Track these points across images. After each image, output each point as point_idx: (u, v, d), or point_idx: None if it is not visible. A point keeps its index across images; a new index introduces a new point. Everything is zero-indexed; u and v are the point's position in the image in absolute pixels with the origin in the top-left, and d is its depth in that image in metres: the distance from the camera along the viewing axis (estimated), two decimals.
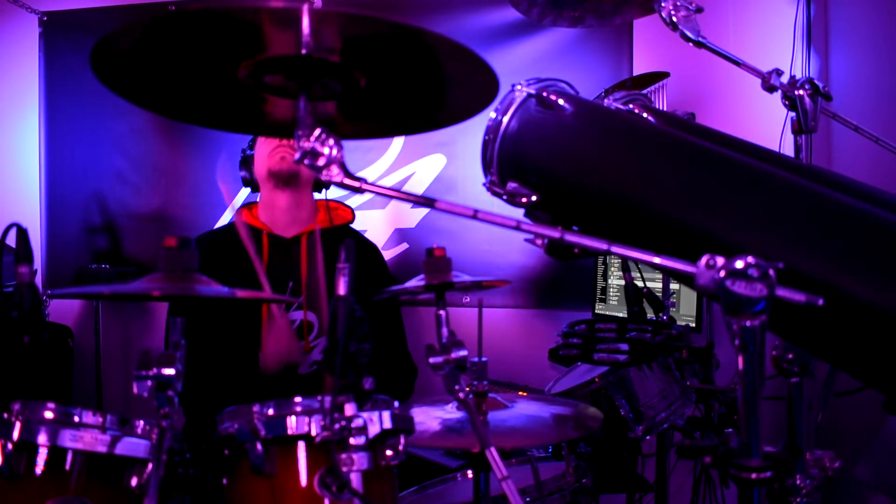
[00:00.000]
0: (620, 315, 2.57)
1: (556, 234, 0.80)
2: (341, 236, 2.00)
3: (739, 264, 0.73)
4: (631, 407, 1.65)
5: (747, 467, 0.76)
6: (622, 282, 2.60)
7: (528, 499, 1.46)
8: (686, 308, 2.35)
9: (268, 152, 1.95)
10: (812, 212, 0.90)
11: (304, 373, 1.88)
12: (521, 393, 2.43)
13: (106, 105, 3.20)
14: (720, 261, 0.74)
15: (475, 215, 0.82)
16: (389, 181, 2.98)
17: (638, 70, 2.83)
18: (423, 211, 2.98)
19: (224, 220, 3.12)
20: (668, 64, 2.60)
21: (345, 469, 0.88)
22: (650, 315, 1.78)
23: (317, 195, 2.05)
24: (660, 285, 2.30)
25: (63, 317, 3.15)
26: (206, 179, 3.15)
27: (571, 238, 0.80)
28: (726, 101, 2.75)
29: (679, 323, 2.24)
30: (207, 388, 1.76)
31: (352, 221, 2.07)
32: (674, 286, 2.37)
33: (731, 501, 2.13)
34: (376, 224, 2.99)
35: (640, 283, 1.81)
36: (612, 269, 2.65)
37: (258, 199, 2.04)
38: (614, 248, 0.79)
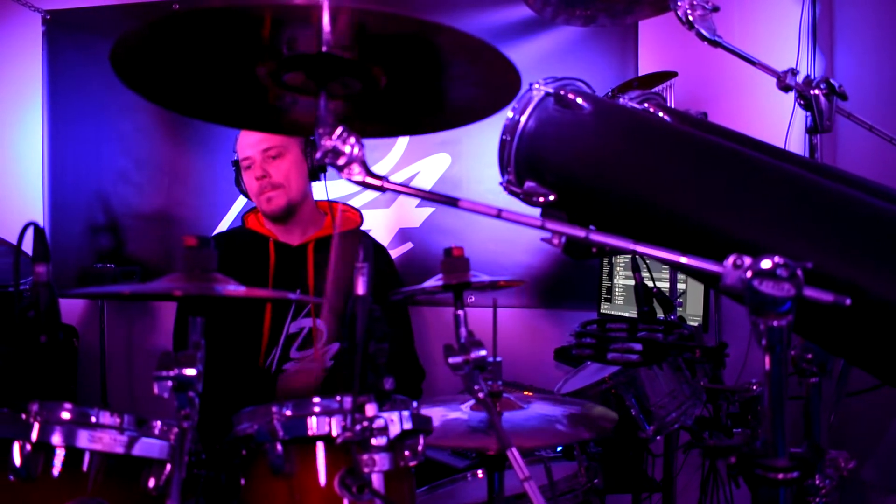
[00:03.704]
0: (626, 315, 2.57)
1: (581, 233, 0.80)
2: (350, 241, 1.99)
3: (767, 264, 0.73)
4: (641, 407, 1.65)
5: (774, 467, 0.76)
6: (628, 282, 2.61)
7: None
8: (693, 308, 2.34)
9: (254, 192, 1.90)
10: (836, 211, 0.90)
11: (304, 371, 1.87)
12: (526, 392, 2.43)
13: (109, 104, 3.19)
14: (747, 260, 0.74)
15: (499, 214, 0.82)
16: (393, 180, 2.96)
17: (643, 70, 2.83)
18: (428, 210, 2.97)
19: (228, 219, 3.11)
20: (674, 64, 2.60)
21: (366, 470, 0.88)
22: (659, 315, 1.78)
23: (318, 189, 2.00)
24: (667, 285, 2.30)
25: (67, 316, 3.13)
26: (209, 179, 3.14)
27: (597, 237, 0.80)
28: (731, 100, 2.75)
29: (687, 322, 2.24)
30: (216, 389, 1.75)
31: (360, 224, 2.05)
32: (680, 286, 2.37)
33: (739, 501, 2.13)
34: (380, 223, 2.98)
35: (649, 283, 1.81)
36: (618, 268, 2.65)
37: None
38: (640, 248, 0.79)
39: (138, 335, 3.21)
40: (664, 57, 2.83)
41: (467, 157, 2.94)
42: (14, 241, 2.91)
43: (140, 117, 3.18)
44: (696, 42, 2.99)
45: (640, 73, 2.80)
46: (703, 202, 0.94)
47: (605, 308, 2.69)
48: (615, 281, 2.66)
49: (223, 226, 3.10)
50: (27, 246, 2.76)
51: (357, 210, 2.07)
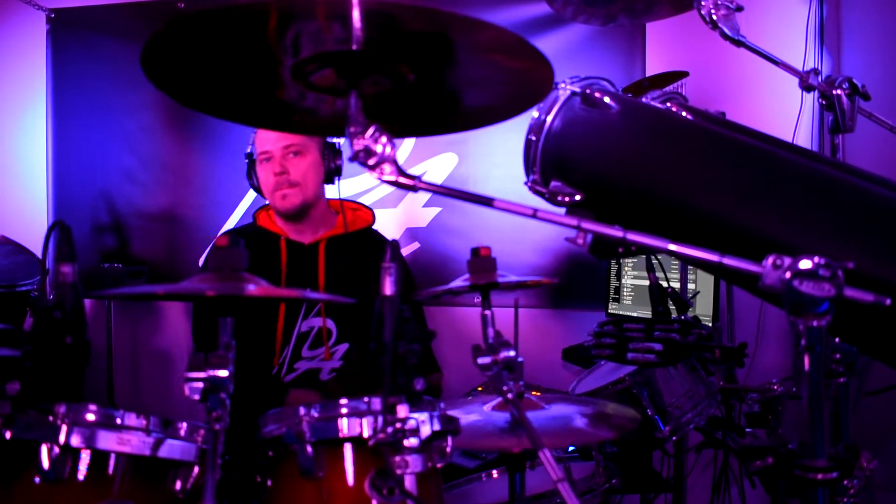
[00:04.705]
0: (634, 315, 2.57)
1: (618, 233, 0.79)
2: (361, 241, 1.98)
3: (808, 264, 0.72)
4: (656, 407, 1.64)
5: (813, 468, 0.76)
6: (636, 281, 2.61)
7: (557, 500, 1.45)
8: (702, 308, 2.34)
9: (270, 188, 1.88)
10: (868, 210, 0.89)
11: (325, 379, 1.86)
12: (534, 393, 2.42)
13: (114, 103, 3.17)
14: (787, 260, 0.73)
15: (535, 214, 0.81)
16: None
17: (651, 70, 2.83)
18: (435, 210, 2.97)
19: (234, 218, 3.10)
20: (681, 64, 2.60)
21: (399, 472, 0.87)
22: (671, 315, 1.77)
23: (330, 190, 1.98)
24: (677, 285, 2.30)
25: None
26: (215, 178, 3.13)
27: (634, 237, 0.79)
28: (738, 100, 2.75)
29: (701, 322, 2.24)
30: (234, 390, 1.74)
31: (372, 223, 2.04)
32: (690, 286, 2.37)
33: (751, 501, 2.13)
34: (387, 223, 2.98)
35: (663, 284, 1.80)
36: (626, 268, 2.65)
37: None
38: (677, 248, 0.79)
39: (143, 335, 3.19)
40: (671, 57, 2.84)
41: (474, 157, 2.94)
42: (19, 240, 2.86)
43: (145, 116, 3.17)
44: (703, 43, 2.99)
45: (648, 74, 2.80)
46: (735, 201, 0.93)
47: (612, 308, 2.69)
48: (623, 281, 2.65)
49: (229, 225, 3.09)
50: (32, 247, 2.70)
51: (369, 209, 2.06)
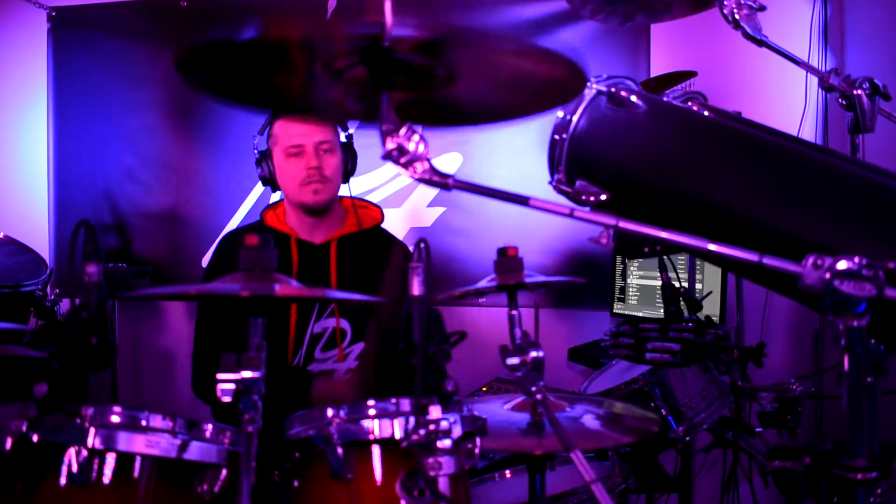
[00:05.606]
0: (639, 314, 2.57)
1: (657, 233, 0.79)
2: (371, 239, 1.97)
3: (849, 264, 0.72)
4: (670, 407, 1.64)
5: (853, 468, 0.76)
6: (642, 281, 2.61)
7: (574, 501, 1.45)
8: (709, 308, 2.34)
9: (298, 182, 1.83)
10: None
11: (339, 380, 1.85)
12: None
13: (115, 102, 3.15)
14: (828, 261, 0.73)
15: (572, 214, 0.81)
16: (404, 180, 2.95)
17: (655, 70, 2.83)
18: (439, 210, 2.96)
19: (237, 218, 3.08)
20: (684, 64, 2.60)
21: (432, 473, 0.86)
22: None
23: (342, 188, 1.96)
24: (685, 285, 2.29)
25: None
26: (217, 177, 3.11)
27: (672, 237, 0.79)
28: (741, 99, 2.76)
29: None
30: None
31: (381, 222, 2.03)
32: (698, 286, 2.37)
33: (761, 501, 2.14)
34: (391, 223, 2.95)
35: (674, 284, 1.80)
36: (632, 268, 2.64)
37: (282, 199, 1.97)
38: (716, 247, 0.78)
39: (145, 335, 3.17)
40: (675, 57, 2.84)
41: (479, 157, 2.93)
42: (21, 239, 2.83)
43: (146, 115, 3.15)
44: (706, 42, 2.98)
45: (652, 74, 2.80)
46: (766, 200, 0.93)
47: (618, 308, 2.69)
48: (629, 281, 2.65)
49: (232, 224, 3.07)
50: (34, 246, 2.65)
51: (377, 206, 2.04)
